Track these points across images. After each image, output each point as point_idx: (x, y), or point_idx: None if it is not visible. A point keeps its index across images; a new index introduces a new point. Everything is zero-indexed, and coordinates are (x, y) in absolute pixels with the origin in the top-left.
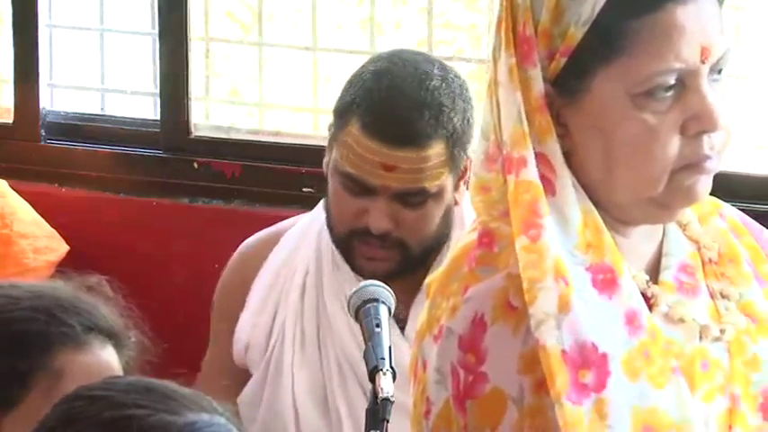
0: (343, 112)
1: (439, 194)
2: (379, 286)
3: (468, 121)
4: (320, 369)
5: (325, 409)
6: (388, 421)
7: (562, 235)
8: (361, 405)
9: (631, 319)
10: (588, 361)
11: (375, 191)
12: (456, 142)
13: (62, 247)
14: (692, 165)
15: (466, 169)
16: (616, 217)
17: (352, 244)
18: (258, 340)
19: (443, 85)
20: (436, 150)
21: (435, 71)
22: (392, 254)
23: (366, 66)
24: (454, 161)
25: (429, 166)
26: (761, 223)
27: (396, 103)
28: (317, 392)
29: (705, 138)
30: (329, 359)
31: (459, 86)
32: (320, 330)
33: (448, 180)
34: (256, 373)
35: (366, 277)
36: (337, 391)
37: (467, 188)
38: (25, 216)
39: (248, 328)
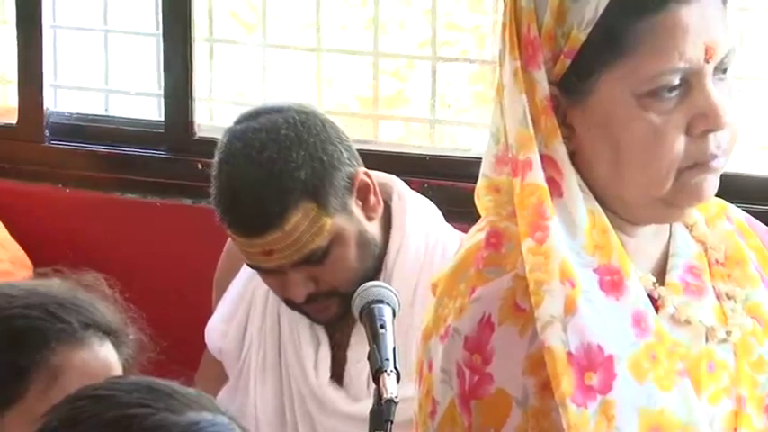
0: (215, 210)
1: (336, 238)
2: (383, 287)
3: (319, 157)
4: (280, 389)
5: (282, 429)
6: (392, 422)
7: (569, 236)
8: (324, 429)
9: (638, 321)
10: (594, 363)
11: (276, 270)
12: (317, 190)
13: (23, 273)
14: (699, 164)
15: (354, 182)
16: (623, 217)
17: (294, 308)
18: (230, 349)
19: (275, 149)
20: (299, 215)
21: (264, 137)
22: (330, 302)
23: (216, 151)
24: (327, 204)
25: (302, 232)
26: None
27: (238, 196)
28: (275, 410)
29: (711, 137)
30: (289, 380)
31: (294, 135)
32: (281, 349)
33: (336, 221)
34: (230, 379)
35: (322, 324)
36: (297, 410)
37: (375, 197)
38: None
39: (219, 333)
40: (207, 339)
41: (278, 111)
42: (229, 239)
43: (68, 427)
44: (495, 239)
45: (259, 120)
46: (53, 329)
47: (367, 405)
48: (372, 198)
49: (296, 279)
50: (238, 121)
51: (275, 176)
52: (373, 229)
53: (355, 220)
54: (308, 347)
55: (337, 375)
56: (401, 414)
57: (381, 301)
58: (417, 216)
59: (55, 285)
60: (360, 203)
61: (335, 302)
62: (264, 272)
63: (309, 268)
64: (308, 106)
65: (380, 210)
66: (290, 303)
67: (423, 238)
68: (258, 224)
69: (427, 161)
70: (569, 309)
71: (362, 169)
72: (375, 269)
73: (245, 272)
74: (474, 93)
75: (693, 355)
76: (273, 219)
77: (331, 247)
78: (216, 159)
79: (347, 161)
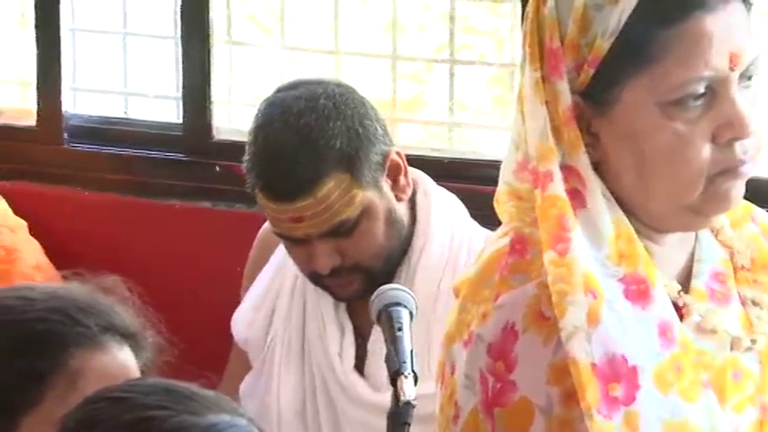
0: (247, 177)
1: (366, 211)
2: (400, 290)
3: (356, 129)
4: (302, 375)
5: (303, 415)
6: (409, 425)
7: (593, 247)
8: (346, 417)
9: (664, 331)
10: (618, 374)
11: (303, 239)
12: (351, 161)
13: None
14: (727, 170)
15: (386, 159)
16: (650, 225)
17: (318, 282)
18: (256, 337)
19: (313, 116)
20: (332, 184)
21: (303, 105)
22: (354, 278)
23: (253, 120)
24: (360, 177)
25: (333, 201)
26: None
27: (273, 160)
28: (297, 397)
29: (737, 144)
30: (311, 366)
31: (332, 105)
32: (305, 336)
33: (367, 194)
34: (254, 366)
35: (345, 301)
36: (320, 398)
37: (405, 178)
38: (31, 259)
39: (246, 323)
40: (233, 329)
41: (318, 83)
42: (259, 234)
43: (86, 429)
44: (519, 246)
45: (299, 89)
46: (72, 333)
47: (388, 395)
48: (402, 179)
49: (322, 250)
50: (278, 91)
51: (311, 143)
52: (402, 210)
53: (386, 198)
54: (333, 335)
55: (359, 365)
56: (421, 410)
57: (399, 304)
58: (443, 214)
59: (75, 289)
60: (390, 182)
61: (358, 279)
62: (292, 241)
63: (336, 240)
64: (346, 83)
65: (409, 192)
66: (314, 278)
67: (448, 238)
68: (290, 189)
69: (445, 164)
70: (592, 320)
71: (395, 149)
72: (400, 253)
73: (275, 262)
74: (492, 96)
75: (718, 364)
76: (306, 185)
77: (360, 220)
78: (253, 125)
79: (381, 138)
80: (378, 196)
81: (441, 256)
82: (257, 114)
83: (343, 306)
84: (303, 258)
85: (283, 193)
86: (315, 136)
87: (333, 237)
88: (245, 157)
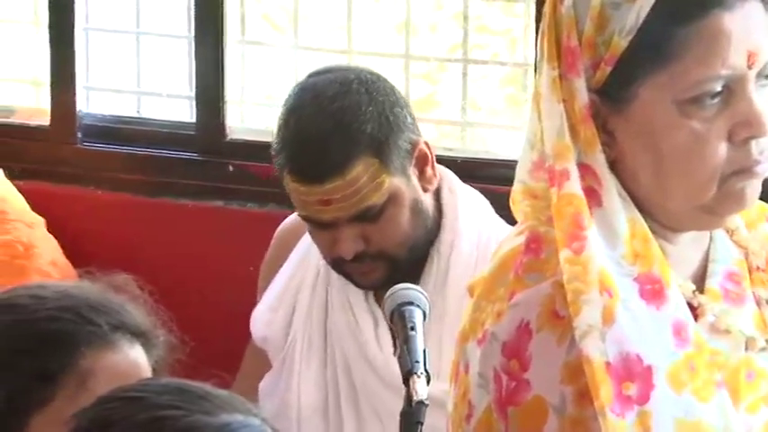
0: (275, 160)
1: (393, 198)
2: (413, 289)
3: (386, 116)
4: (324, 370)
5: (324, 411)
6: (422, 424)
7: (608, 246)
8: (368, 410)
9: (678, 331)
10: (632, 373)
11: (330, 223)
12: (381, 146)
13: None
14: (742, 169)
15: (414, 149)
16: (665, 224)
17: (340, 268)
18: (276, 336)
19: (346, 101)
20: (361, 168)
21: (337, 89)
22: (378, 264)
23: (283, 104)
24: (389, 163)
25: (362, 185)
26: None
27: (304, 141)
28: (318, 393)
29: (753, 143)
30: (334, 359)
31: (364, 90)
32: (327, 331)
33: (394, 180)
34: (274, 365)
35: (366, 289)
36: (343, 392)
37: (432, 169)
38: (47, 255)
39: (264, 322)
40: (252, 327)
41: (349, 69)
42: (276, 234)
43: (99, 428)
44: (535, 245)
45: (331, 74)
46: (83, 332)
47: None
48: (429, 170)
49: (347, 234)
50: (309, 76)
51: (344, 126)
52: (427, 201)
53: (412, 186)
54: (367, 324)
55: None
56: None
57: (411, 304)
58: (469, 211)
59: (86, 287)
60: (417, 172)
61: (381, 266)
62: (317, 226)
63: (362, 225)
64: (376, 71)
65: (436, 183)
66: (337, 264)
67: (475, 236)
68: (320, 171)
69: (458, 164)
70: (607, 319)
71: (423, 139)
72: (425, 244)
73: (294, 259)
74: (505, 95)
75: (732, 364)
76: (336, 167)
77: (387, 207)
78: (284, 108)
79: (410, 127)
80: (405, 184)
81: (470, 254)
82: (288, 98)
83: (372, 296)
84: (327, 243)
85: (313, 175)
86: (348, 120)
87: (359, 222)
88: (274, 140)
